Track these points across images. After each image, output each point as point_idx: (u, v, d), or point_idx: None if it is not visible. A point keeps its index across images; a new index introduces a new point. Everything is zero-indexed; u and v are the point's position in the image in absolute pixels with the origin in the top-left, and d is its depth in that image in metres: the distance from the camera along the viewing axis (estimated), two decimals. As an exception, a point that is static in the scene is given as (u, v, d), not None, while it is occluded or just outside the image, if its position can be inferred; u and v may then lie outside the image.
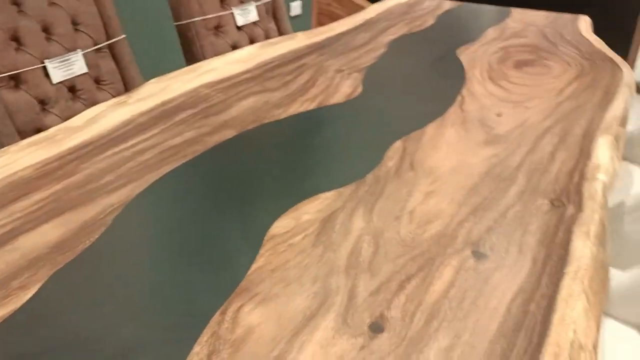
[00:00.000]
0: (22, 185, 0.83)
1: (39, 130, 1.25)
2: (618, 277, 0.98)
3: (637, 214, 1.19)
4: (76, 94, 1.34)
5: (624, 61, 1.46)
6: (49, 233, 0.73)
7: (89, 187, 0.84)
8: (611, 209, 1.19)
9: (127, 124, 1.05)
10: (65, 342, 0.56)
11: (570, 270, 0.68)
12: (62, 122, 1.29)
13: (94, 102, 1.38)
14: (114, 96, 1.44)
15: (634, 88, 1.32)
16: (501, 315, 0.61)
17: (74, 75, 1.32)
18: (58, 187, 0.83)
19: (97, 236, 0.73)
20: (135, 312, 0.60)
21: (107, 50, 1.43)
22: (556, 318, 0.60)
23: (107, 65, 1.42)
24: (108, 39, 1.43)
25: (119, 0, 1.47)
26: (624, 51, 2.41)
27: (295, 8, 3.60)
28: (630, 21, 2.34)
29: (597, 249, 0.73)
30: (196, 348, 0.56)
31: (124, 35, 1.46)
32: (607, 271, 0.72)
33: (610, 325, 0.93)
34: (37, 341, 0.56)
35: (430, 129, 1.06)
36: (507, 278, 0.66)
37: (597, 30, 1.81)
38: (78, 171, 0.88)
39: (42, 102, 1.25)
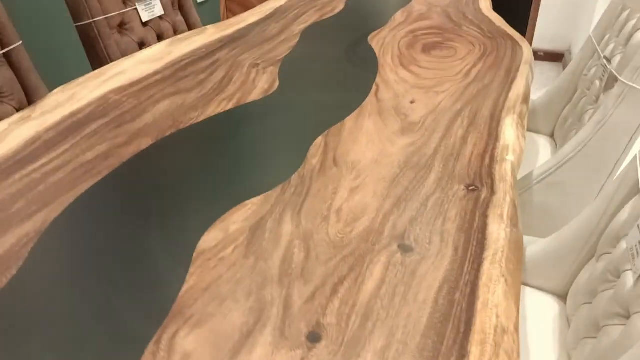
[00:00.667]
0: None
1: None
2: (531, 246, 1.05)
3: (544, 184, 1.27)
4: (-28, 110, 1.24)
5: (523, 38, 1.54)
6: (-41, 274, 0.68)
7: (-2, 217, 0.79)
8: (521, 181, 1.27)
9: (33, 141, 0.99)
10: (-8, 394, 0.53)
11: (488, 254, 0.72)
12: (-41, 141, 1.20)
13: (-7, 117, 1.29)
14: (16, 108, 1.35)
15: (533, 64, 1.40)
16: (430, 307, 0.64)
17: (-33, 90, 1.22)
18: (-37, 221, 0.78)
19: (13, 272, 0.69)
20: (62, 350, 0.58)
21: (4, 59, 1.33)
22: (479, 304, 0.64)
23: (5, 75, 1.33)
24: (3, 48, 1.33)
25: (12, 6, 1.37)
26: (523, 24, 2.54)
27: (202, -7, 3.50)
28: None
29: (511, 230, 0.78)
30: (134, 381, 0.55)
31: (20, 42, 1.36)
32: (522, 250, 0.77)
33: (528, 294, 1.00)
34: (-40, 397, 0.53)
35: (350, 121, 1.08)
36: (433, 269, 0.70)
37: (496, 7, 1.90)
38: (-16, 201, 0.82)
39: None
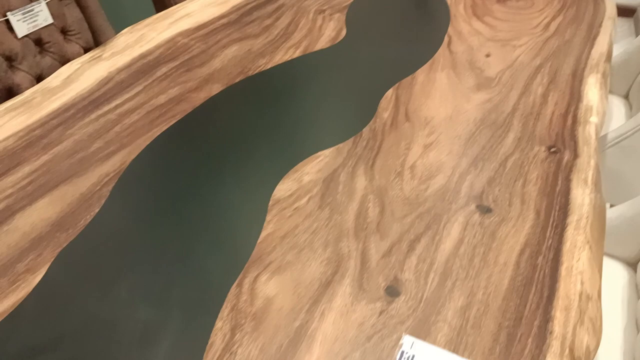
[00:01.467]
0: (8, 158, 0.80)
1: (9, 89, 1.18)
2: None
3: (618, 148, 1.21)
4: (44, 47, 1.26)
5: (606, -9, 1.44)
6: (46, 209, 0.70)
7: (79, 155, 0.80)
8: (594, 144, 1.21)
9: (106, 81, 1.00)
10: (82, 328, 0.56)
11: (572, 220, 0.69)
12: (32, 78, 1.22)
13: (63, 55, 1.30)
14: (83, 47, 1.36)
15: (616, 20, 1.31)
16: (511, 270, 0.63)
17: (39, 27, 1.24)
18: (47, 157, 0.80)
19: (96, 210, 0.71)
20: (149, 291, 0.60)
21: (72, -2, 1.34)
22: (563, 270, 0.62)
23: (73, 14, 1.34)
24: (71, -15, 1.33)
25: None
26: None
27: None
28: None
29: (594, 195, 0.74)
30: (218, 324, 0.56)
31: (87, -20, 1.36)
32: (605, 217, 0.74)
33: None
34: (52, 328, 0.56)
35: (421, 74, 1.04)
36: (513, 231, 0.68)
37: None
38: (64, 138, 0.84)
39: (9, 59, 1.18)
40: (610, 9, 1.33)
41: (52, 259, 0.63)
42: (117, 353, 0.53)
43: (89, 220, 0.69)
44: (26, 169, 0.77)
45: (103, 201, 0.72)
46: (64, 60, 1.30)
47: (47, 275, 0.61)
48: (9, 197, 0.72)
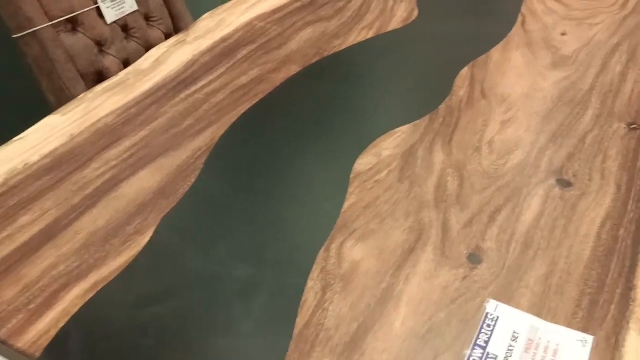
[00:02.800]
0: (109, 133, 0.87)
1: (99, 72, 1.27)
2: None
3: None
4: (129, 33, 1.34)
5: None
6: (147, 179, 0.77)
7: (172, 131, 0.87)
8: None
9: (191, 64, 1.06)
10: (188, 282, 0.62)
11: (655, 195, 0.70)
12: (119, 62, 1.31)
13: (146, 40, 1.38)
14: (164, 33, 1.44)
15: (701, -5, 1.26)
16: (592, 241, 0.64)
17: (126, 14, 1.32)
18: (144, 133, 0.87)
19: (193, 180, 0.77)
20: (246, 252, 0.65)
21: (154, -14, 1.41)
22: (646, 243, 0.63)
23: (155, 0, 1.41)
24: (153, -26, 1.41)
25: None
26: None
27: None
28: None
29: (678, 172, 0.74)
30: (310, 283, 0.61)
31: (168, -32, 1.44)
32: (689, 193, 0.73)
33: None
34: (162, 281, 0.62)
35: (495, 53, 1.05)
36: (594, 205, 0.69)
37: None
38: (158, 116, 0.91)
39: (99, 44, 1.27)
40: (695, -15, 1.28)
41: (157, 223, 0.69)
42: (219, 306, 0.59)
43: (187, 190, 0.75)
44: (127, 143, 0.84)
45: (198, 172, 0.78)
46: (148, 46, 1.38)
47: (154, 237, 0.68)
48: (114, 168, 0.79)
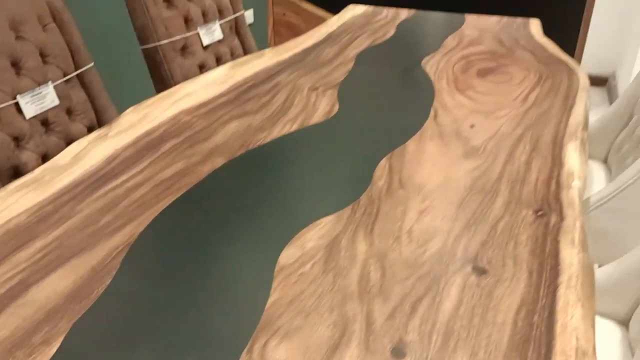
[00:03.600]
0: (21, 233, 0.83)
1: (16, 168, 1.22)
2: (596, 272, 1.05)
3: (603, 210, 1.27)
4: (49, 127, 1.32)
5: (578, 64, 1.55)
6: (59, 282, 0.73)
7: (89, 230, 0.84)
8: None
9: (113, 158, 1.05)
10: (101, 395, 0.57)
11: (563, 279, 0.73)
12: (38, 157, 1.27)
13: (67, 135, 1.36)
14: (86, 127, 1.42)
15: (589, 90, 1.41)
16: (509, 329, 0.66)
17: (46, 109, 1.30)
18: (58, 232, 0.83)
19: (108, 281, 0.73)
20: (167, 358, 0.62)
21: (77, 80, 1.41)
22: (559, 327, 0.66)
23: (78, 95, 1.41)
24: (77, 69, 1.41)
25: (82, 28, 1.45)
26: (571, 47, 2.54)
27: (248, 17, 3.61)
28: (575, 20, 2.48)
29: (583, 255, 0.79)
30: (232, 388, 0.58)
31: (92, 64, 1.45)
32: (593, 275, 0.78)
33: (591, 320, 1.00)
34: (72, 396, 0.57)
35: (411, 144, 1.11)
36: (509, 292, 0.71)
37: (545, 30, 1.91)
38: (75, 214, 0.88)
39: (17, 139, 1.23)
40: (583, 81, 1.43)
41: (68, 330, 0.65)
42: (134, 421, 0.54)
43: (102, 291, 0.71)
44: (39, 243, 0.80)
45: (114, 272, 0.75)
46: (69, 140, 1.35)
47: (63, 345, 0.63)
48: (23, 271, 0.75)
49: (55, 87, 1.33)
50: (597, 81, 3.50)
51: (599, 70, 3.48)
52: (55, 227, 0.84)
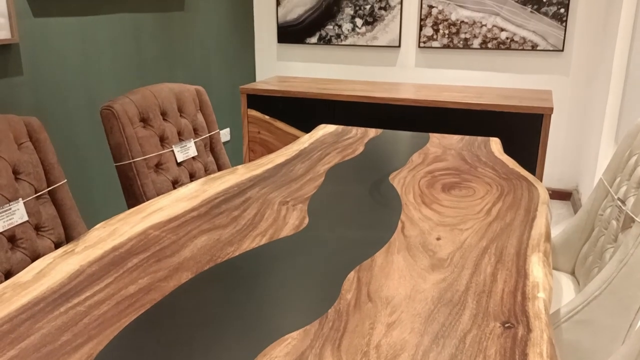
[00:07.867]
0: (-29, 355, 0.79)
1: (-25, 285, 1.19)
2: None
3: (572, 322, 1.27)
4: (16, 243, 1.30)
5: (537, 179, 1.63)
6: (7, 408, 0.68)
7: (45, 349, 0.80)
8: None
9: (77, 275, 1.03)
10: None
11: (533, 393, 0.72)
12: (1, 274, 1.24)
13: (34, 250, 1.34)
14: (54, 242, 1.41)
15: (550, 204, 1.47)
16: None
17: (14, 225, 1.29)
18: (13, 352, 0.79)
19: (60, 406, 0.69)
20: None
21: (48, 197, 1.42)
22: None
23: (48, 211, 1.41)
24: (49, 185, 1.42)
25: (58, 145, 1.49)
26: (532, 165, 2.68)
27: (225, 135, 3.75)
28: (534, 140, 2.64)
29: (552, 368, 0.78)
30: None
31: (64, 180, 1.47)
32: (565, 389, 0.77)
33: None
34: None
35: (379, 257, 1.12)
36: (479, 408, 0.69)
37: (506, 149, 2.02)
38: (32, 332, 0.84)
39: (-20, 255, 1.21)
40: (543, 195, 1.50)
41: None
42: None
43: (52, 418, 0.67)
44: (-11, 365, 0.76)
45: (67, 396, 0.71)
46: (35, 256, 1.33)
47: None
48: (-32, 396, 0.71)
49: (25, 203, 1.33)
50: (562, 195, 3.65)
51: (564, 185, 3.64)
52: (10, 347, 0.81)
